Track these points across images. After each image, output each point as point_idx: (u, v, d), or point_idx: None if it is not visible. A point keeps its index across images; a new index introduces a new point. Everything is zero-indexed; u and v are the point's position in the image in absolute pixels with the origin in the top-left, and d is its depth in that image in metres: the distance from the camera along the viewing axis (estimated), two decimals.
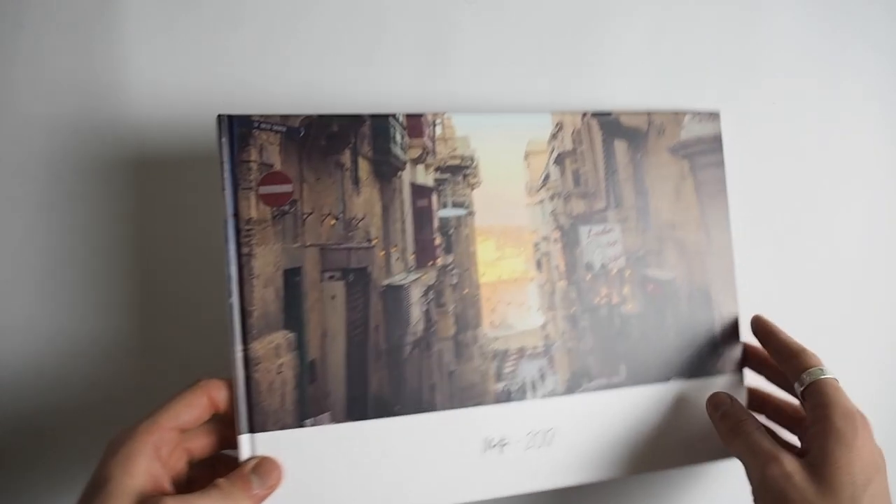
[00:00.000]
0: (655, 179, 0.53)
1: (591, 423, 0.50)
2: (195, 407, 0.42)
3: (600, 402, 0.50)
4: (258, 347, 0.44)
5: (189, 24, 0.53)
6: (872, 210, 0.65)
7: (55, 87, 0.52)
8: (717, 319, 0.53)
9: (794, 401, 0.53)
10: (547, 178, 0.51)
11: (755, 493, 0.45)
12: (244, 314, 0.44)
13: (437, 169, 0.49)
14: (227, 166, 0.45)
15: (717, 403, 0.49)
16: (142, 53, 0.53)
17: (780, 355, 0.50)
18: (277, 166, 0.46)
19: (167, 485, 0.40)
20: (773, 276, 0.63)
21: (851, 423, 0.43)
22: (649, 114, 0.53)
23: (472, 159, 0.50)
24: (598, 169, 0.52)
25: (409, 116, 0.49)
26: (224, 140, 0.45)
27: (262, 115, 0.46)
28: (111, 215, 0.52)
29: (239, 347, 0.44)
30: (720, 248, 0.53)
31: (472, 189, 0.50)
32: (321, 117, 0.47)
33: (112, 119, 0.52)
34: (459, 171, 0.49)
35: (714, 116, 0.54)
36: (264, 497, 0.43)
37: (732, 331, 0.53)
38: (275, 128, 0.46)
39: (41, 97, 0.52)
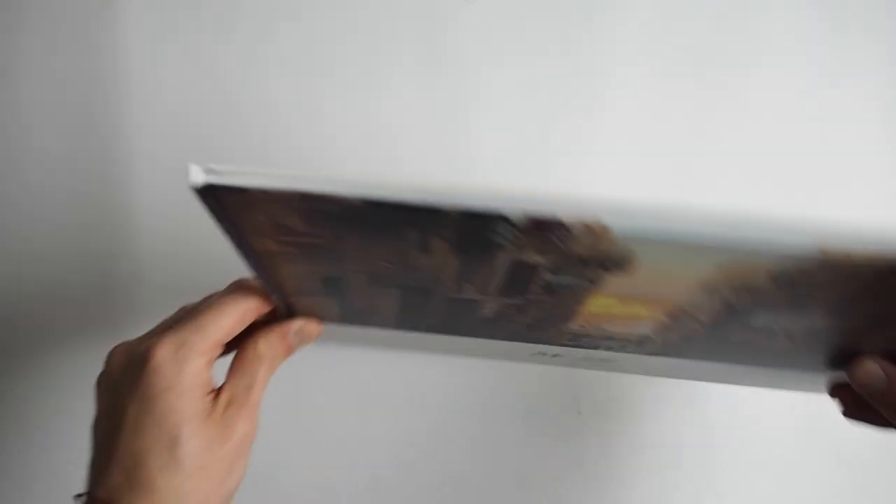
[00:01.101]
0: None
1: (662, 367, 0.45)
2: (245, 318, 0.39)
3: (686, 364, 0.44)
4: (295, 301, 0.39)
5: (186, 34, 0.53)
6: (872, 210, 0.62)
7: None
8: None
9: None
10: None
11: None
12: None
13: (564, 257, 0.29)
14: (231, 240, 0.29)
15: (871, 376, 0.39)
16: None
17: None
18: (300, 229, 0.29)
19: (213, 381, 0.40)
20: None
21: None
22: None
23: (624, 262, 0.29)
24: None
25: (534, 220, 0.26)
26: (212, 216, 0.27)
27: (261, 190, 0.26)
28: None
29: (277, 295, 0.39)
30: None
31: (609, 273, 0.30)
32: (368, 205, 0.26)
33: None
34: (598, 263, 0.29)
35: None
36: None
37: None
38: (291, 206, 0.26)
39: None
